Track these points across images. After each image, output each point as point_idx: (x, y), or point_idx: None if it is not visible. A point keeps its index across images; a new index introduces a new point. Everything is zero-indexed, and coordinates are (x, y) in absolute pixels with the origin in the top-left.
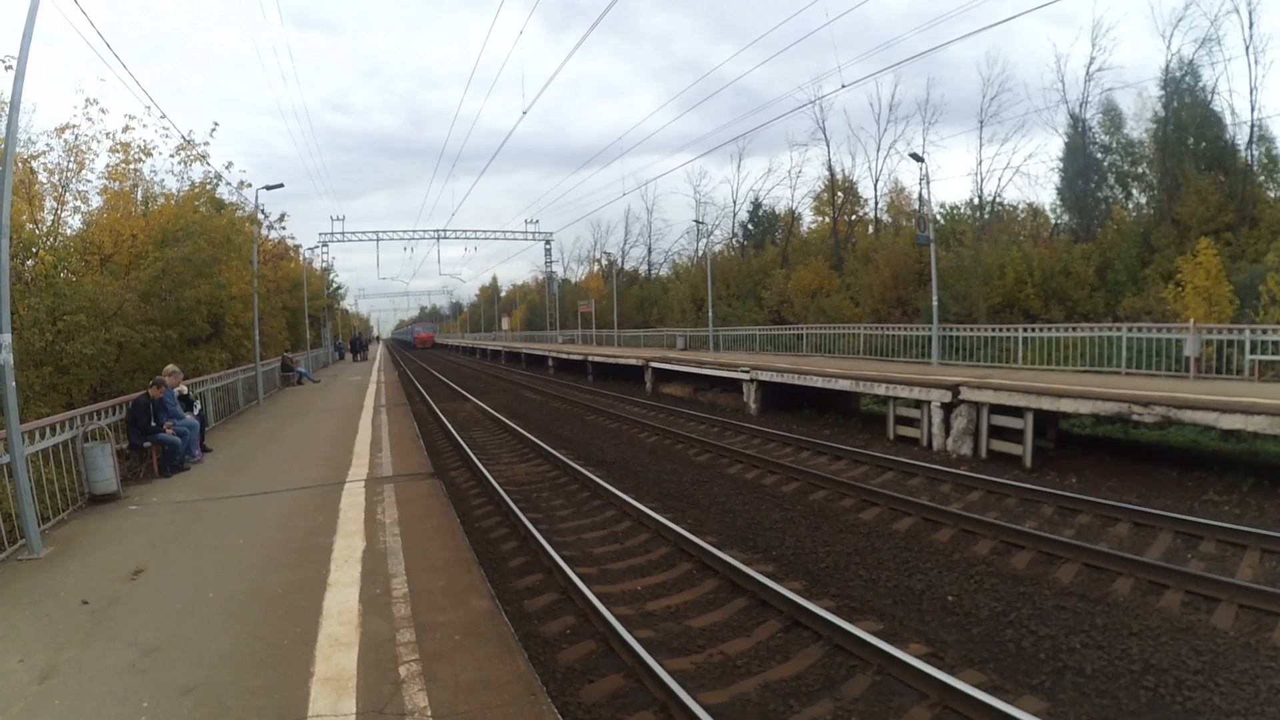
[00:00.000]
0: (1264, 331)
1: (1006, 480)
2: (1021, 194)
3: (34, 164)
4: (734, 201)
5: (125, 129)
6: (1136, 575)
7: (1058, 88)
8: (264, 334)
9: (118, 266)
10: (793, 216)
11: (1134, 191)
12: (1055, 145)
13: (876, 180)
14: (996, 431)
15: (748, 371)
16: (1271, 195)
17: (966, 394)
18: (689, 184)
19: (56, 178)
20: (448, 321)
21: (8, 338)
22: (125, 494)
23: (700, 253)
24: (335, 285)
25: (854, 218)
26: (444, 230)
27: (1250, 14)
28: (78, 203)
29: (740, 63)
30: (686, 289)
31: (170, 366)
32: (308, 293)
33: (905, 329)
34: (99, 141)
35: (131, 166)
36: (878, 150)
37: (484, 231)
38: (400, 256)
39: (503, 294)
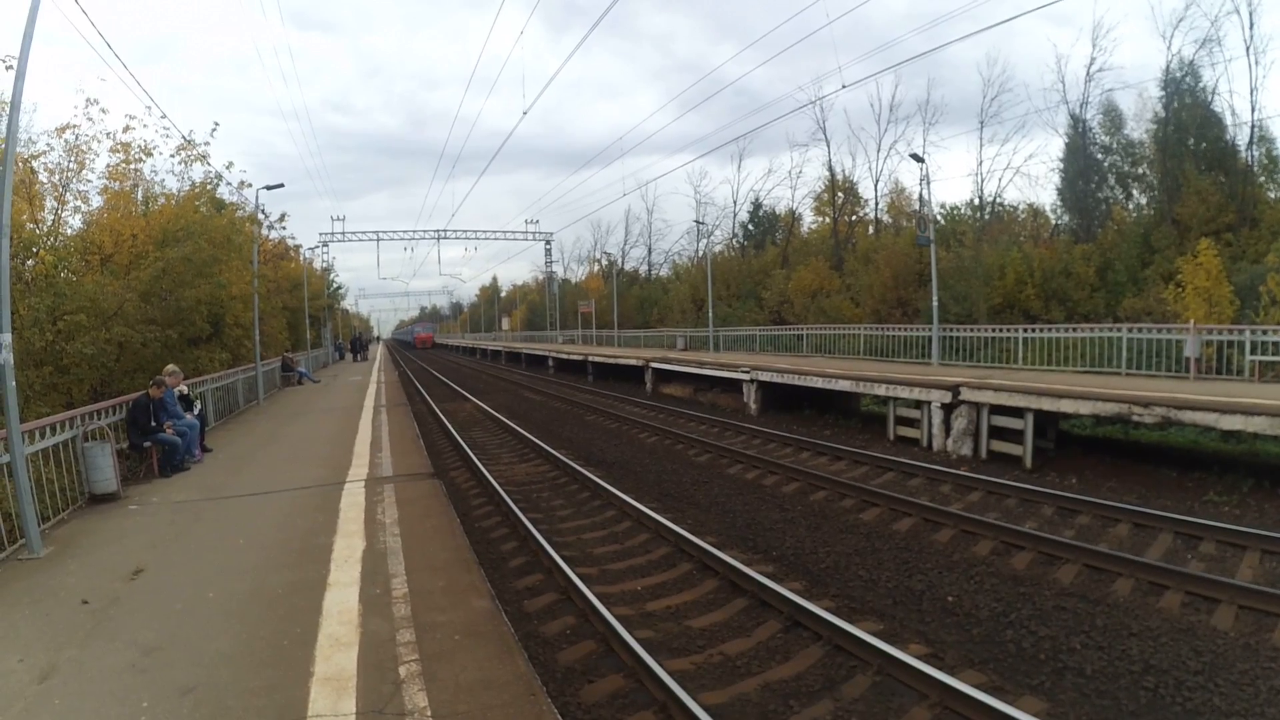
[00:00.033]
0: (1264, 332)
1: (1007, 481)
2: (1022, 194)
3: (34, 164)
4: (734, 202)
5: (126, 129)
6: (1136, 576)
7: (1058, 88)
8: (264, 334)
9: (118, 266)
10: (793, 217)
11: (1134, 192)
12: (1055, 146)
13: (877, 181)
14: (997, 432)
15: (748, 372)
16: (1272, 196)
17: (967, 394)
18: (689, 184)
19: (57, 177)
20: (448, 322)
21: (8, 337)
22: (125, 494)
23: (700, 253)
24: (335, 285)
25: (854, 218)
26: (444, 230)
27: (1251, 15)
28: (78, 202)
29: (740, 63)
30: (687, 289)
31: (170, 366)
32: (308, 293)
33: (905, 329)
34: (99, 141)
35: (132, 166)
36: (878, 151)
37: (484, 232)
38: (400, 257)
39: (503, 294)
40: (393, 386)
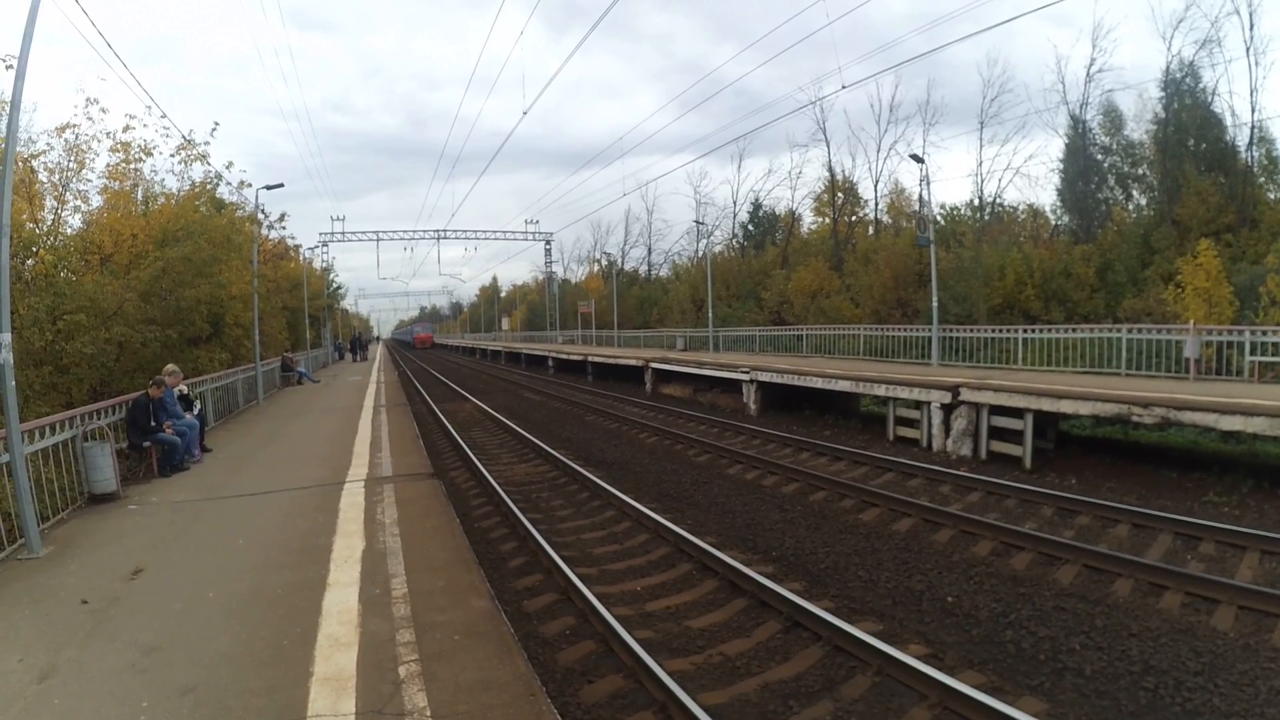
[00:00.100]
0: (1264, 333)
1: (1006, 481)
2: (1022, 195)
3: (34, 163)
4: (734, 202)
5: (126, 129)
6: (1136, 576)
7: (1058, 89)
8: (264, 334)
9: (118, 266)
10: (793, 217)
11: (1134, 193)
12: (1055, 146)
13: (877, 181)
14: (996, 432)
15: (747, 372)
16: (1272, 197)
17: (966, 395)
18: (689, 184)
19: (57, 177)
20: (448, 322)
21: (8, 337)
22: (125, 494)
23: (700, 253)
24: (335, 285)
25: (854, 219)
26: (444, 230)
27: (1251, 15)
28: (78, 202)
29: (741, 63)
30: (686, 289)
31: (170, 366)
32: (308, 293)
33: (905, 330)
34: (99, 141)
35: (132, 166)
36: (878, 151)
37: (484, 232)
38: (400, 257)
39: (503, 294)
40: (392, 386)
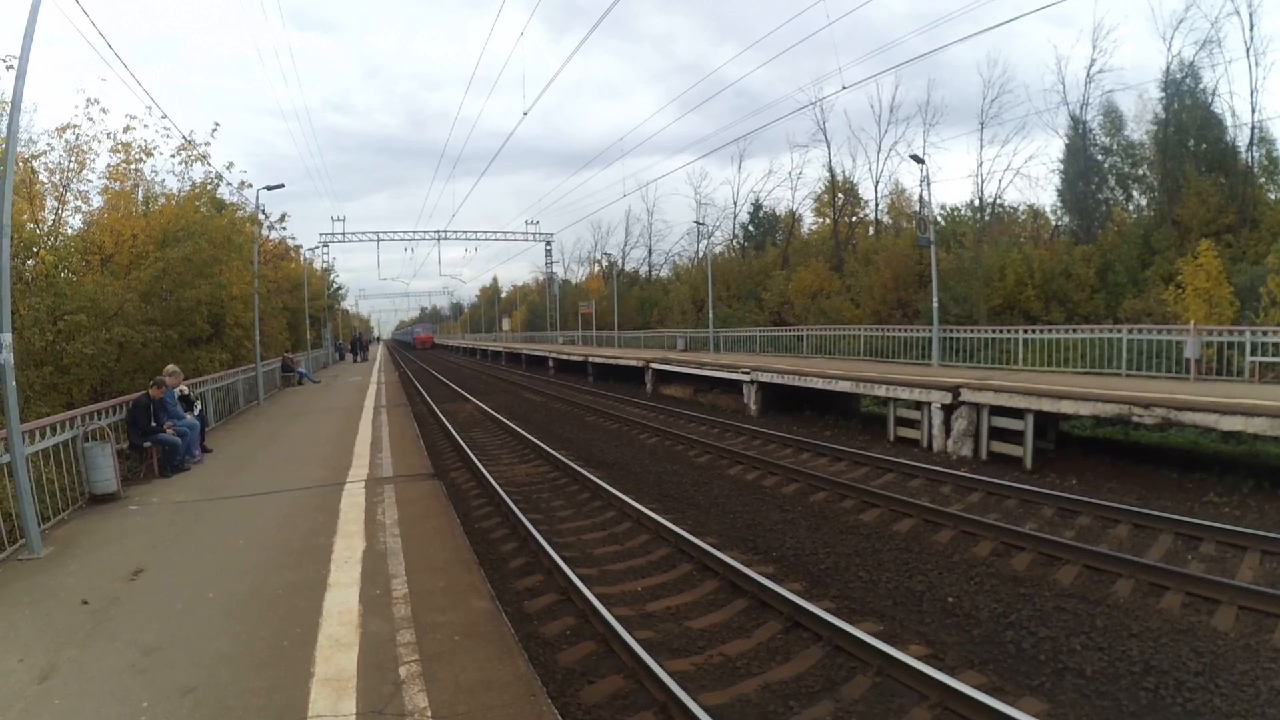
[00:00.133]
0: (1264, 333)
1: (1007, 481)
2: (1022, 196)
3: (35, 164)
4: (734, 203)
5: (126, 129)
6: (1137, 577)
7: (1058, 89)
8: (264, 334)
9: (118, 266)
10: (793, 218)
11: (1134, 193)
12: (1056, 147)
13: (877, 182)
14: (997, 433)
15: (748, 373)
16: (1272, 197)
17: (967, 395)
18: (689, 185)
19: (57, 177)
20: (448, 322)
21: (8, 337)
22: (125, 494)
23: (701, 254)
24: (336, 286)
25: (854, 219)
26: (444, 231)
27: (1251, 16)
28: (78, 202)
29: (741, 64)
30: (687, 290)
31: (170, 366)
32: (308, 293)
33: (906, 330)
34: (100, 141)
35: (132, 166)
36: (878, 152)
37: (484, 232)
38: (401, 257)
39: (503, 295)
40: (393, 387)
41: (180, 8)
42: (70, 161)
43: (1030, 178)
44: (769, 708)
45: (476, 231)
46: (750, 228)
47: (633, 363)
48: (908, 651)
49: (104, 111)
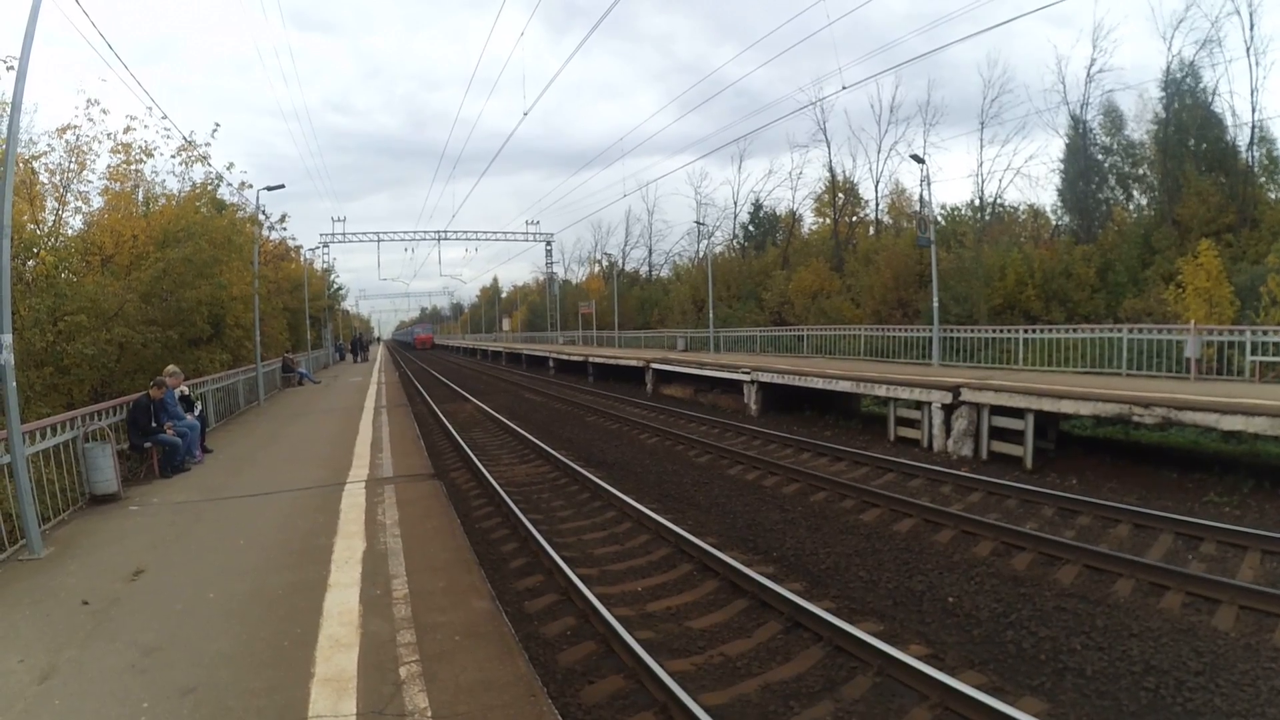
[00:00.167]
0: (1265, 333)
1: (1007, 481)
2: (1022, 195)
3: (35, 164)
4: (735, 203)
5: (126, 129)
6: (1137, 576)
7: (1058, 89)
8: (265, 335)
9: (119, 267)
10: (793, 218)
11: (1135, 193)
12: (1056, 147)
13: (877, 182)
14: (997, 433)
15: (748, 373)
16: (1272, 197)
17: (967, 395)
18: (690, 185)
19: (58, 178)
20: (448, 322)
21: (9, 338)
22: (126, 494)
23: (701, 254)
24: (336, 286)
25: (855, 219)
26: (445, 231)
27: (1251, 15)
28: (79, 203)
29: (741, 64)
30: (687, 290)
31: (171, 367)
32: (308, 293)
33: (906, 330)
34: (100, 142)
35: (133, 167)
36: (878, 152)
37: (485, 232)
38: (401, 258)
39: (503, 295)
40: (393, 387)
41: (180, 8)
42: (70, 162)
43: (1030, 177)
44: (769, 708)
45: (477, 232)
46: (750, 228)
47: (633, 363)
48: (908, 651)
49: (104, 112)
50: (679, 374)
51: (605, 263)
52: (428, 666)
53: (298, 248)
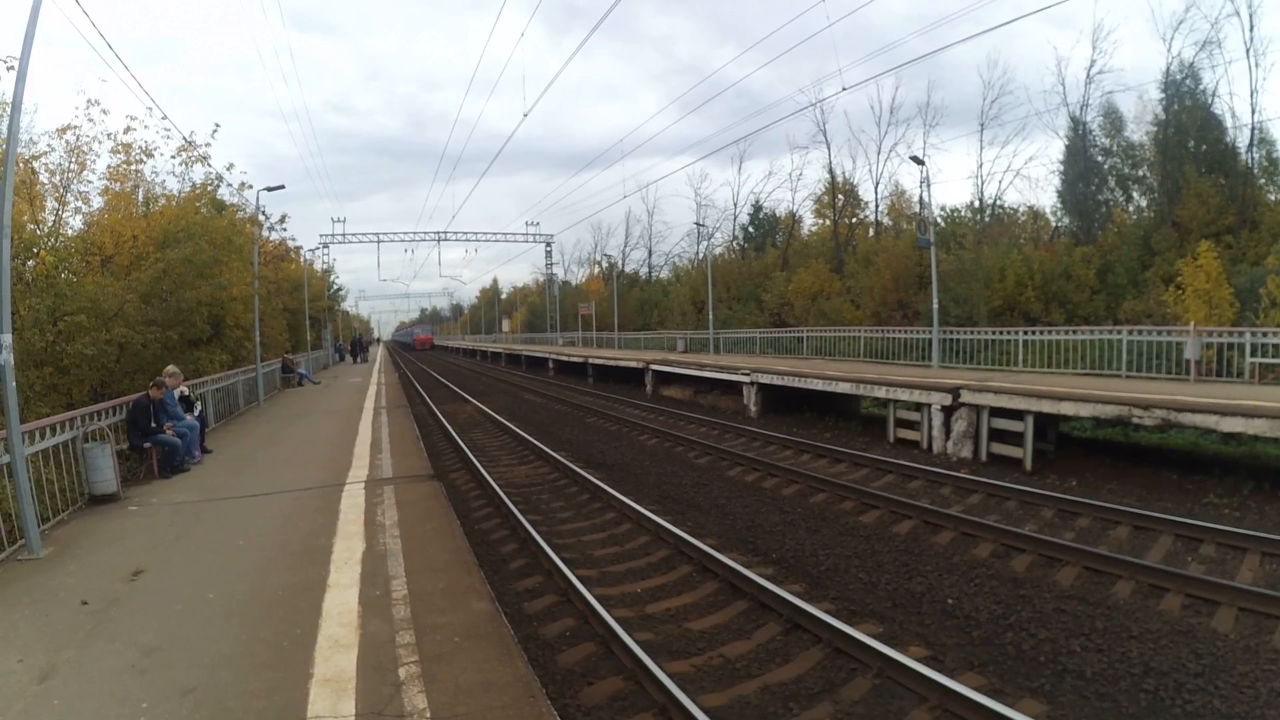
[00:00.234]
0: (1264, 334)
1: (1007, 483)
2: (1022, 197)
3: (35, 164)
4: (734, 204)
5: (126, 130)
6: (1137, 578)
7: (1058, 90)
8: (264, 335)
9: (119, 267)
10: (793, 219)
11: (1134, 194)
12: (1056, 148)
13: (877, 183)
14: (997, 434)
15: (748, 374)
16: (1272, 198)
17: (967, 397)
18: (690, 186)
19: (58, 178)
20: (448, 323)
21: (8, 338)
22: (125, 495)
23: (701, 255)
24: (336, 287)
25: (854, 220)
26: (445, 232)
27: (1251, 17)
28: (79, 203)
29: (741, 65)
30: (687, 291)
31: (170, 367)
32: (308, 294)
33: (906, 332)
34: (100, 142)
35: (133, 167)
36: (878, 153)
37: (485, 233)
38: (401, 258)
39: (503, 296)
40: (393, 388)
41: (180, 8)
42: (70, 162)
43: (1030, 179)
44: (769, 709)
45: (477, 233)
46: (750, 229)
47: (633, 364)
48: (907, 653)
49: (104, 112)
50: (679, 375)
51: (605, 264)
52: (427, 667)
53: (298, 248)
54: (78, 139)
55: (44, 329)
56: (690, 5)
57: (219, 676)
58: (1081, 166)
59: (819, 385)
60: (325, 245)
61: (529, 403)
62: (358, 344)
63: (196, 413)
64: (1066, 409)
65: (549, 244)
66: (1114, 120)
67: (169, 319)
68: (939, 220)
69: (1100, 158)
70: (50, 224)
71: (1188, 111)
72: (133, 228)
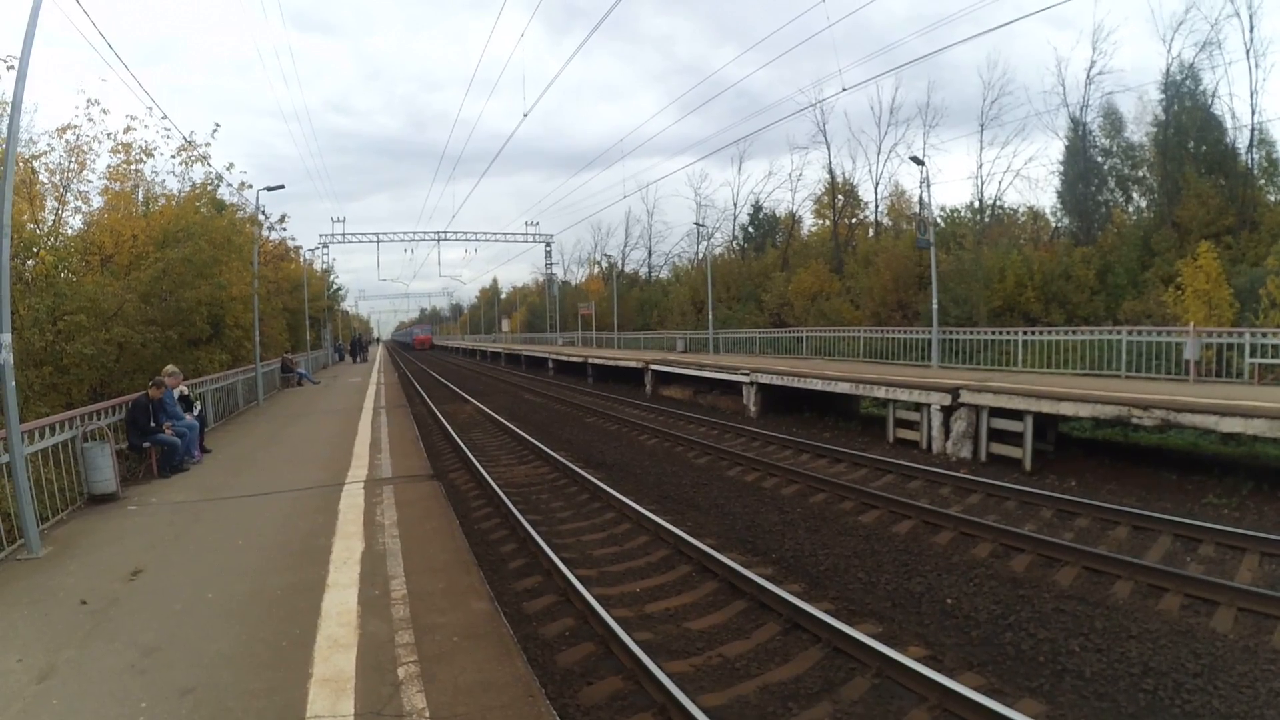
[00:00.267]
0: (1264, 335)
1: (1006, 483)
2: (1022, 197)
3: (35, 164)
4: (734, 204)
5: (126, 130)
6: (1136, 578)
7: (1058, 91)
8: (264, 335)
9: (118, 267)
10: (793, 219)
11: (1134, 195)
12: (1056, 148)
13: (877, 183)
14: (996, 434)
15: (747, 374)
16: (1272, 199)
17: (966, 397)
18: (689, 186)
19: (58, 178)
20: (448, 323)
21: (8, 337)
22: (124, 494)
23: (700, 255)
24: (336, 287)
25: (854, 221)
26: (444, 232)
27: (1251, 17)
28: (79, 203)
29: (741, 65)
30: (686, 291)
31: (170, 367)
32: (308, 294)
33: (905, 332)
34: (100, 142)
35: (133, 167)
36: (878, 153)
37: (484, 233)
38: (401, 258)
39: (503, 296)
40: (392, 388)
41: (180, 8)
42: (70, 162)
43: (1030, 179)
44: (768, 709)
45: (476, 233)
46: (750, 229)
47: (632, 364)
48: (907, 653)
49: (104, 112)
50: (678, 375)
51: (605, 264)
52: (426, 667)
53: (297, 248)
54: (77, 138)
55: (43, 328)
56: (690, 5)
57: (218, 676)
58: (1081, 167)
59: (818, 385)
60: (325, 245)
61: (528, 402)
62: (357, 344)
63: (196, 412)
64: (1066, 409)
65: (549, 244)
66: (1114, 121)
67: (168, 318)
68: (939, 221)
69: (1100, 158)
70: (50, 223)
71: (1188, 112)
72: (132, 227)
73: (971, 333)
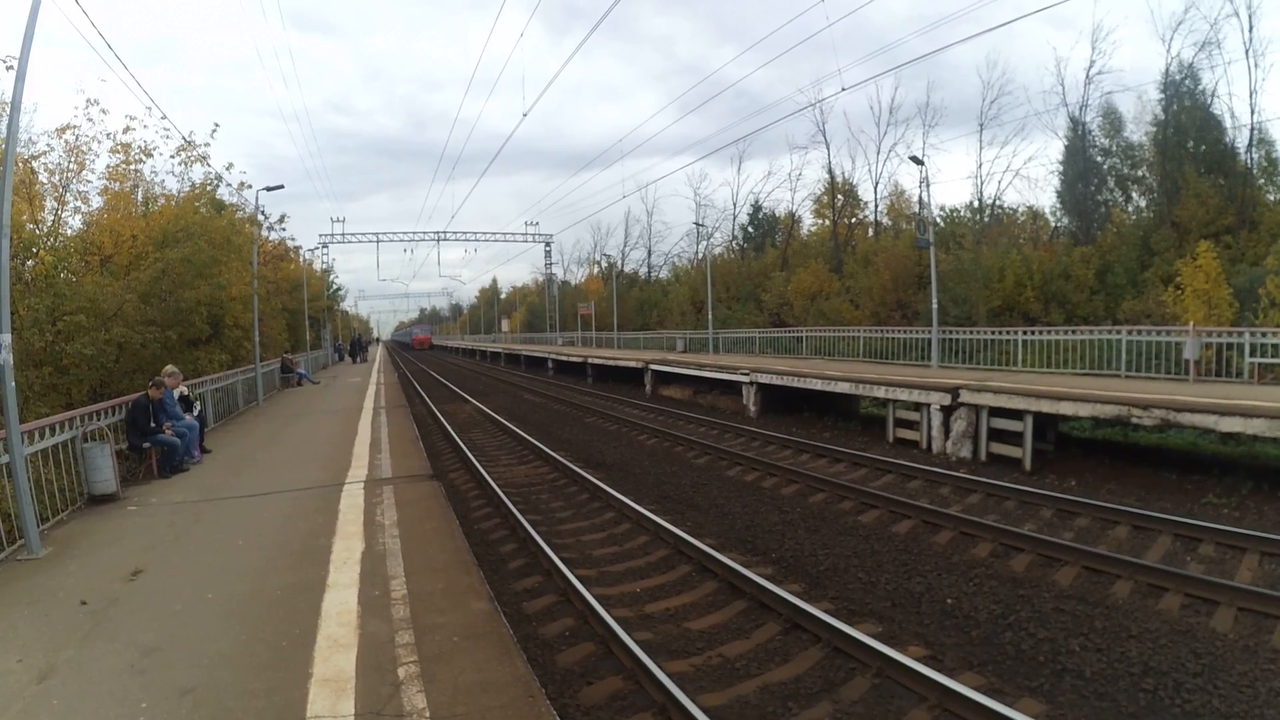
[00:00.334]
0: (1263, 334)
1: (1006, 483)
2: (1021, 197)
3: (34, 164)
4: (734, 204)
5: (126, 130)
6: (1136, 578)
7: (1058, 91)
8: (264, 335)
9: (118, 267)
10: (793, 219)
11: (1134, 194)
12: (1055, 148)
13: (876, 183)
14: (996, 434)
15: (747, 374)
16: (1271, 198)
17: (966, 397)
18: (689, 186)
19: (57, 178)
20: (447, 323)
21: (8, 338)
22: (124, 495)
23: (700, 255)
24: (335, 287)
25: (854, 220)
26: (444, 232)
27: (1250, 17)
28: (78, 203)
29: (741, 65)
30: (686, 291)
31: (170, 367)
32: (308, 294)
33: (905, 332)
34: (99, 142)
35: (132, 167)
36: (878, 153)
37: (484, 233)
38: (400, 258)
39: (503, 296)
40: (392, 388)
41: (180, 8)
42: (70, 162)
43: (1030, 179)
44: (768, 709)
45: (476, 233)
46: (750, 229)
47: (632, 364)
48: (906, 653)
49: (104, 112)
50: (678, 375)
51: (604, 264)
52: (426, 667)
53: (297, 248)
54: (77, 139)
55: (43, 329)
56: (690, 5)
57: (218, 676)
58: (1081, 167)
59: (818, 385)
60: (325, 245)
61: (528, 402)
62: (357, 344)
63: (196, 412)
64: (1065, 409)
65: (548, 244)
66: (1113, 121)
67: (168, 319)
68: (938, 220)
69: (1099, 158)
70: (49, 224)
71: (1187, 112)
72: (132, 227)
73: (971, 332)
